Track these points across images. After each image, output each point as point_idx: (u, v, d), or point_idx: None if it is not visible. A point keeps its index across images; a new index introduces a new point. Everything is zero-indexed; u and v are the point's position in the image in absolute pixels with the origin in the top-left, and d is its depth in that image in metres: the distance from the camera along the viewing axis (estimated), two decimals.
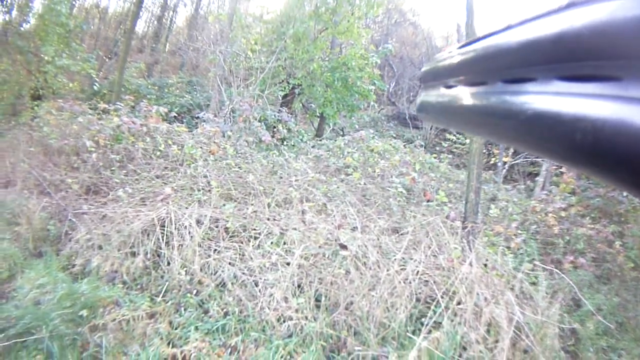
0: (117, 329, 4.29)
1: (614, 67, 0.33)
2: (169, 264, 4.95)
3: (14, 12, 13.96)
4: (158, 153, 6.88)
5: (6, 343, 3.97)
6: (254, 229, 5.21)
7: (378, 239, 5.04)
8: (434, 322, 4.20)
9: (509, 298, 4.31)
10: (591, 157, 0.35)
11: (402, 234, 5.21)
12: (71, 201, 6.04)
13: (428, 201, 6.13)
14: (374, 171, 7.08)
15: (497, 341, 4.06)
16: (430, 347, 3.86)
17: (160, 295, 4.73)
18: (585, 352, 4.39)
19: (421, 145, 11.54)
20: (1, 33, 12.66)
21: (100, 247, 5.25)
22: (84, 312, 4.31)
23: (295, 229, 5.12)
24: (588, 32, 0.34)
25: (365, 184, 6.80)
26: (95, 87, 13.60)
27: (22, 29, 13.47)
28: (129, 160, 6.79)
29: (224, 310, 4.57)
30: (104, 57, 17.11)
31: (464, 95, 0.58)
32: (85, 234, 5.43)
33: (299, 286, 4.62)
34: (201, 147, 7.15)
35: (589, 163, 0.36)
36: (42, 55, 12.17)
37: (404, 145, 10.16)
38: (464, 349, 4.04)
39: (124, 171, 6.59)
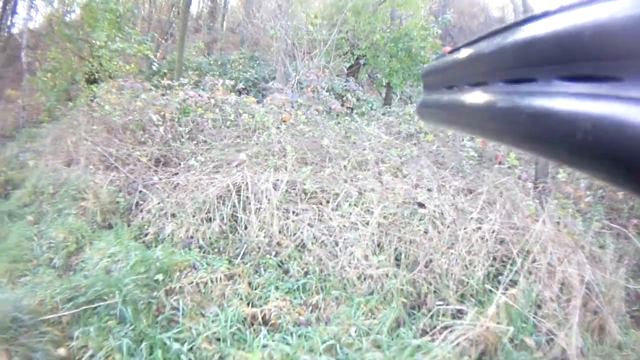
0: (195, 292, 4.37)
1: (614, 67, 0.33)
2: (246, 227, 4.99)
3: (56, 3, 14.28)
4: (228, 123, 6.93)
5: (75, 311, 4.06)
6: (332, 191, 5.21)
7: (454, 199, 5.00)
8: (510, 280, 4.19)
9: (581, 258, 4.29)
10: (591, 156, 0.35)
11: (476, 194, 5.17)
12: (140, 173, 6.15)
13: (499, 164, 6.08)
14: (447, 135, 7.05)
15: (569, 300, 4.05)
16: (509, 302, 3.86)
17: (239, 258, 4.78)
18: None
19: None
20: (46, 24, 12.92)
21: (173, 215, 5.33)
22: (160, 277, 4.38)
23: (372, 189, 5.10)
24: (588, 32, 0.34)
25: (438, 147, 6.76)
26: (154, 68, 13.70)
27: (67, 18, 13.76)
28: (198, 132, 6.86)
29: (304, 270, 4.60)
30: (160, 39, 17.24)
31: (465, 95, 0.59)
32: (158, 203, 5.53)
33: (378, 245, 4.62)
34: (272, 116, 7.17)
35: (589, 163, 0.36)
36: (93, 41, 12.31)
37: None
38: (539, 306, 4.04)
39: (194, 142, 6.66)
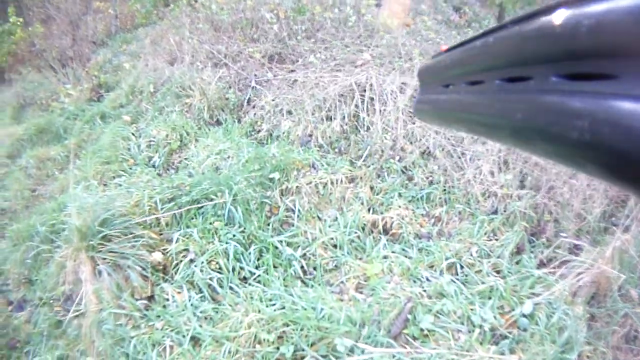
0: (313, 193, 4.37)
1: (610, 65, 0.32)
2: (368, 129, 4.98)
3: None
4: (350, 23, 6.81)
5: (177, 211, 4.05)
6: None
7: None
8: (623, 224, 4.07)
9: None
10: (588, 155, 0.35)
11: None
12: (253, 70, 6.13)
13: None
14: None
15: None
16: (622, 248, 3.78)
17: (361, 160, 4.79)
18: None
19: None
20: None
21: (289, 113, 5.35)
22: (275, 175, 4.35)
23: None
24: (585, 30, 0.33)
25: None
26: None
27: None
28: (316, 30, 6.80)
29: (429, 178, 4.61)
30: None
31: (461, 94, 0.60)
32: (272, 100, 5.55)
33: (505, 162, 4.59)
34: (395, 19, 7.07)
35: (586, 161, 0.36)
36: None
37: None
38: None
39: (312, 40, 6.60)
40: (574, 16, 0.35)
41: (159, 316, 3.41)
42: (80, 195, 4.41)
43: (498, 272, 3.84)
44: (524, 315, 3.42)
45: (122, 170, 5.24)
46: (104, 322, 3.37)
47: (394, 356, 3.09)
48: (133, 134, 5.97)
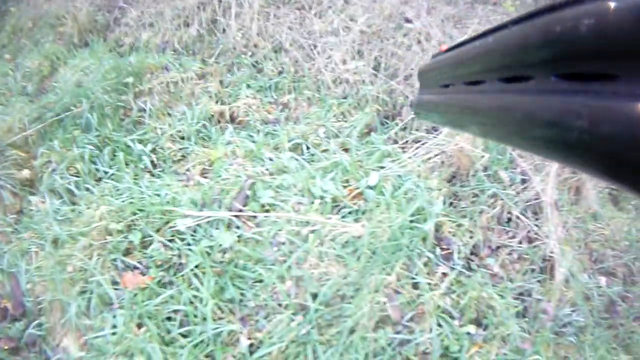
0: (164, 92, 4.43)
1: (610, 65, 0.32)
2: (224, 31, 4.98)
3: None
4: None
5: (41, 127, 4.19)
6: None
7: (442, 23, 4.97)
8: None
9: None
10: (588, 155, 0.35)
11: (465, 25, 5.12)
12: None
13: (494, 4, 6.01)
14: None
15: None
16: None
17: (213, 58, 4.81)
18: (626, 203, 4.28)
19: None
20: None
21: (151, 25, 5.33)
22: (130, 80, 4.42)
23: (360, 0, 5.03)
24: (585, 29, 0.33)
25: None
26: None
27: None
28: None
29: (279, 70, 4.63)
30: None
31: (461, 94, 0.59)
32: (136, 15, 5.53)
33: (358, 52, 4.60)
34: None
35: (586, 162, 0.36)
36: None
37: None
38: None
39: None
40: (574, 16, 0.34)
41: (26, 227, 3.53)
42: None
43: (346, 150, 3.89)
44: (370, 187, 3.47)
45: (1, 104, 5.24)
46: None
47: (236, 231, 3.18)
48: (11, 70, 5.92)
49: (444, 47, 0.70)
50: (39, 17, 6.65)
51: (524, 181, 3.83)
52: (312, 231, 3.15)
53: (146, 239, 3.17)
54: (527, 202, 3.71)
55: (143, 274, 3.05)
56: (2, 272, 3.26)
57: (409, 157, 3.74)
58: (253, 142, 3.93)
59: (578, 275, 3.49)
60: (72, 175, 3.77)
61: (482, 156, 3.74)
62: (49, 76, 5.44)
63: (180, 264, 3.06)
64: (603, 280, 3.71)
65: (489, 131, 0.56)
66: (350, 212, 3.36)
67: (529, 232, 3.60)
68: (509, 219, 3.65)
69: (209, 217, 3.18)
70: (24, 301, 3.13)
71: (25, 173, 3.96)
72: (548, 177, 3.79)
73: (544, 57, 0.39)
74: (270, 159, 3.75)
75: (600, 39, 0.32)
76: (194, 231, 3.17)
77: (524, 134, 0.44)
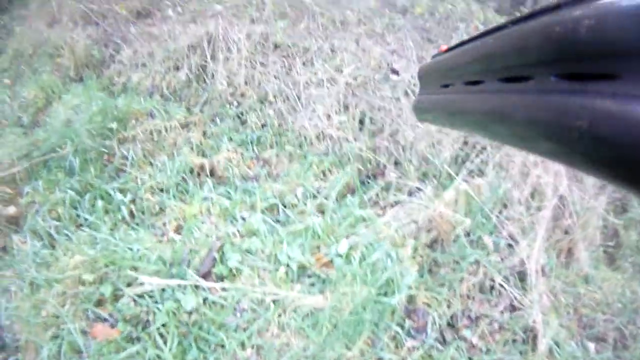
0: (147, 140, 4.44)
1: (611, 65, 0.32)
2: (213, 76, 4.97)
3: None
4: None
5: (29, 164, 4.22)
6: (304, 46, 5.14)
7: None
8: (478, 169, 4.09)
9: (559, 169, 4.07)
10: (588, 155, 0.35)
11: None
12: (119, 26, 6.15)
13: None
14: (440, 12, 6.82)
15: (539, 209, 3.89)
16: (470, 192, 3.75)
17: (198, 106, 4.82)
18: (623, 261, 4.15)
19: None
20: None
21: (144, 65, 5.36)
22: (114, 125, 4.44)
23: (346, 49, 5.01)
24: (584, 30, 0.33)
25: (428, 22, 6.54)
26: None
27: None
28: None
29: (262, 122, 4.62)
30: None
31: (461, 94, 0.60)
32: (131, 53, 5.57)
33: (344, 105, 4.57)
34: None
35: (586, 162, 0.36)
36: None
37: None
38: (505, 206, 3.90)
39: None
40: (574, 16, 0.35)
41: (8, 265, 3.56)
42: None
43: (322, 212, 3.84)
44: (339, 255, 3.41)
45: None
46: None
47: (202, 293, 3.17)
48: (9, 97, 6.01)
49: (444, 47, 0.70)
50: (39, 44, 6.74)
51: (509, 246, 3.72)
52: (275, 300, 3.13)
53: (117, 291, 3.18)
54: (511, 268, 3.61)
55: (112, 326, 3.06)
56: None
57: (385, 223, 3.66)
58: (229, 199, 3.92)
59: (564, 344, 3.38)
60: (53, 219, 3.79)
61: (464, 221, 3.64)
62: (43, 109, 5.49)
63: (148, 320, 3.06)
64: (592, 346, 3.57)
65: (489, 131, 0.56)
66: (316, 281, 3.32)
67: (512, 300, 3.51)
68: (492, 287, 3.55)
69: (167, 284, 3.18)
70: (3, 335, 3.18)
71: (11, 210, 3.99)
72: (535, 241, 3.69)
73: (544, 57, 0.40)
74: (243, 219, 3.73)
75: (600, 40, 0.33)
76: (163, 289, 3.16)
77: (524, 134, 0.44)
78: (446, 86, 0.66)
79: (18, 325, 3.16)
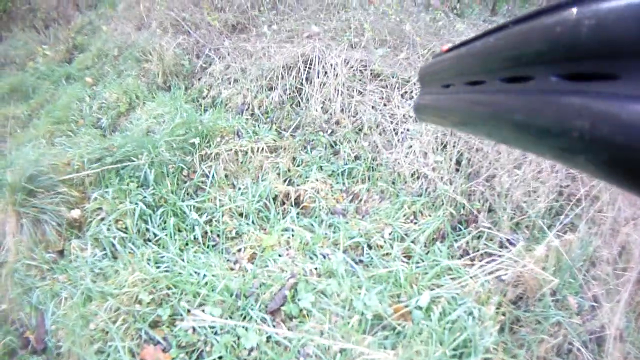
0: (232, 160, 4.38)
1: (611, 65, 0.32)
2: (307, 101, 4.91)
3: None
4: None
5: (100, 169, 4.18)
6: (403, 78, 4.98)
7: None
8: (571, 223, 3.91)
9: None
10: (589, 156, 0.35)
11: None
12: (212, 38, 6.19)
13: None
14: None
15: (625, 269, 3.71)
16: (561, 249, 3.57)
17: (289, 130, 4.75)
18: None
19: None
20: None
21: (236, 81, 5.34)
22: (197, 140, 4.39)
23: None
24: (585, 30, 0.33)
25: None
26: None
27: None
28: (280, 1, 6.74)
29: (355, 154, 4.50)
30: None
31: (462, 94, 0.60)
32: (222, 67, 5.56)
33: (441, 144, 4.43)
34: None
35: (587, 162, 0.36)
36: None
37: None
38: (593, 264, 3.72)
39: (274, 11, 6.58)
40: (575, 16, 0.35)
41: (62, 270, 3.55)
42: (25, 153, 4.66)
43: (409, 257, 3.68)
44: (419, 308, 3.22)
45: (70, 131, 5.46)
46: (18, 272, 3.60)
47: (267, 329, 3.03)
48: (89, 96, 6.19)
49: (445, 47, 0.69)
50: (125, 46, 6.93)
51: (593, 308, 3.56)
52: (342, 350, 2.95)
53: (176, 316, 3.11)
54: (591, 332, 3.45)
55: (164, 351, 2.98)
56: (31, 305, 3.36)
57: (473, 276, 3.49)
58: (312, 232, 3.78)
59: None
60: (119, 230, 3.76)
61: (552, 280, 3.45)
62: (125, 114, 5.57)
63: (203, 350, 2.96)
64: None
65: (489, 131, 0.55)
66: (390, 334, 3.11)
67: None
68: (570, 350, 3.37)
69: (226, 324, 3.08)
70: (47, 339, 3.18)
71: (75, 213, 3.96)
72: (618, 304, 3.52)
73: (544, 58, 0.39)
74: (324, 256, 3.58)
75: (601, 40, 0.33)
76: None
77: (525, 135, 0.44)
78: (447, 86, 0.66)
79: (63, 332, 3.14)
